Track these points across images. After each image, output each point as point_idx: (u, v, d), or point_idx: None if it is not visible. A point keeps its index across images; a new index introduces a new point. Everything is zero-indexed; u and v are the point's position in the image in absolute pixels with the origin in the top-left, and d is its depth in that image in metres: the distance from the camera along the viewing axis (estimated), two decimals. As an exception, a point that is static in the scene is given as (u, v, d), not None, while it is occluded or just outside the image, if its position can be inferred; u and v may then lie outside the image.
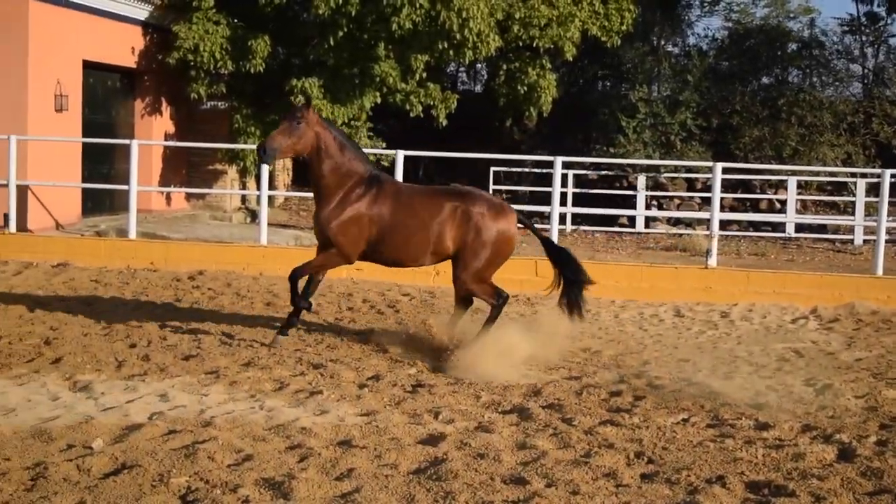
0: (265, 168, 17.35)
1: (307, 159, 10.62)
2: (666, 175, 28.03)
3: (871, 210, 24.84)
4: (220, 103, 24.84)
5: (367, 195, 10.51)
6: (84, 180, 21.00)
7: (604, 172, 27.89)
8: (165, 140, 24.31)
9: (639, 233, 25.76)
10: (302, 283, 10.85)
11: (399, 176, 16.93)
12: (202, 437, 7.32)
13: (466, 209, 10.51)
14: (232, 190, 25.45)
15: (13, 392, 8.57)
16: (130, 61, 23.08)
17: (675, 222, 26.99)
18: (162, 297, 13.93)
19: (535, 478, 6.66)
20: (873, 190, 23.78)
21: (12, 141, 17.69)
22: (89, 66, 21.62)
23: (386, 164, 23.19)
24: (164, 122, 24.61)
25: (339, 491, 6.35)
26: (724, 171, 19.16)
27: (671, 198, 28.15)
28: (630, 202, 26.65)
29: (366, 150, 21.85)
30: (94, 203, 22.20)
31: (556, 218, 16.47)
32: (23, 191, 19.02)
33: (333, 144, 10.52)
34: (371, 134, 24.15)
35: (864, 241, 24.31)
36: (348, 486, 6.41)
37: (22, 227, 18.80)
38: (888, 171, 16.37)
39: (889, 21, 34.47)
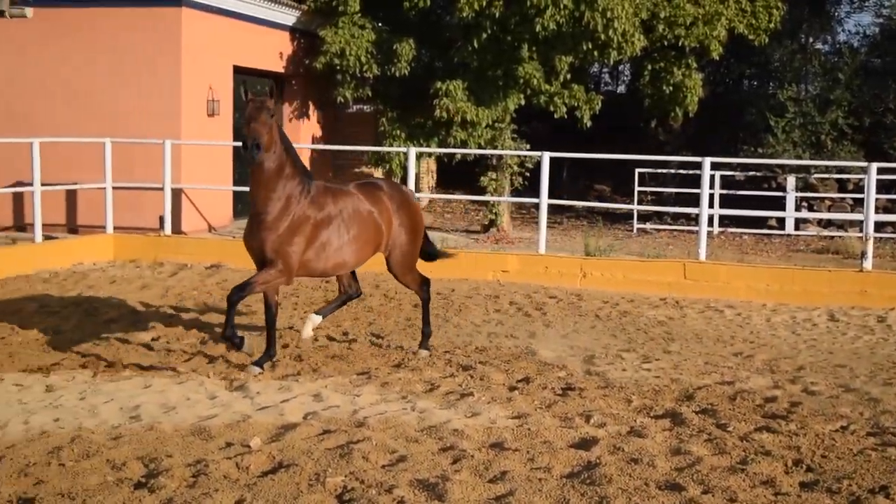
0: (412, 170, 17.50)
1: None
2: (816, 176, 27.36)
3: None
4: (365, 107, 25.13)
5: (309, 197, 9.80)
6: (235, 183, 21.45)
7: (751, 173, 27.35)
8: (312, 143, 24.69)
9: (788, 235, 25.22)
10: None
11: (545, 177, 16.88)
12: (356, 438, 7.41)
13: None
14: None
15: (173, 390, 8.80)
16: (279, 66, 23.51)
17: (826, 224, 26.34)
18: (312, 298, 14.13)
19: (690, 484, 6.57)
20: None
21: (167, 145, 18.18)
22: (239, 72, 22.08)
23: (530, 165, 23.17)
24: (311, 126, 25.02)
25: (493, 493, 6.35)
26: (879, 171, 18.57)
27: (822, 199, 27.45)
28: (779, 204, 26.10)
29: (511, 152, 22.09)
30: (244, 205, 22.61)
31: (704, 220, 16.20)
32: (177, 194, 19.53)
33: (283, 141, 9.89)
34: (515, 136, 24.13)
35: None
36: (502, 489, 6.41)
37: (176, 229, 19.31)
38: None
39: None
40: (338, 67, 22.77)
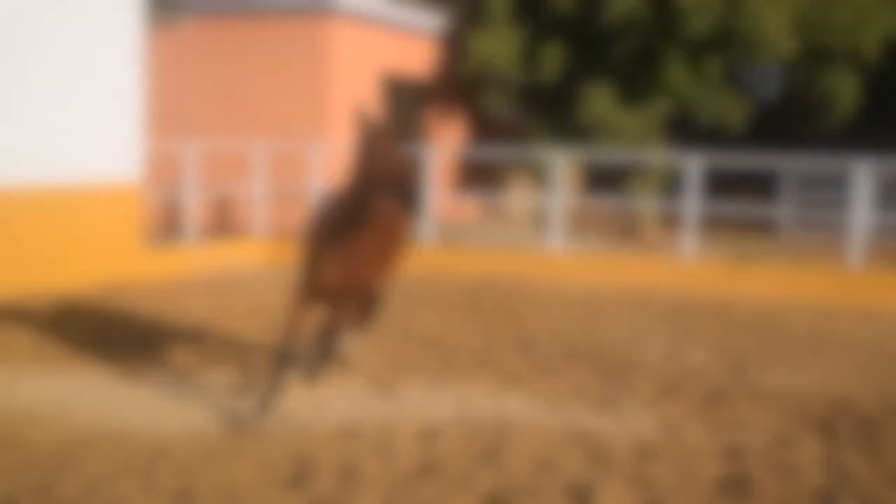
0: (557, 175, 17.50)
1: None
2: None
3: None
4: (512, 111, 25.20)
5: None
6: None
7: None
8: (458, 150, 24.83)
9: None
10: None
11: (694, 183, 16.69)
12: (503, 442, 7.43)
13: None
14: (524, 196, 25.76)
15: (321, 391, 8.94)
16: (425, 72, 23.74)
17: None
18: (455, 302, 14.23)
19: (846, 497, 6.42)
20: None
21: (316, 152, 18.52)
22: (387, 78, 22.36)
23: (679, 171, 22.89)
24: (457, 132, 25.17)
25: (642, 501, 6.31)
26: None
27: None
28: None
29: (659, 158, 21.89)
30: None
31: (860, 226, 15.81)
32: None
33: None
34: (663, 142, 23.90)
35: None
36: (651, 496, 6.36)
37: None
38: None
39: None
40: (484, 73, 22.89)
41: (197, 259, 16.80)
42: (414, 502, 6.19)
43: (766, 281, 15.57)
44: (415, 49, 23.32)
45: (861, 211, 15.87)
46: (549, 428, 7.85)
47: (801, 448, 7.47)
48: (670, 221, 24.97)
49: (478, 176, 25.82)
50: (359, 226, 7.71)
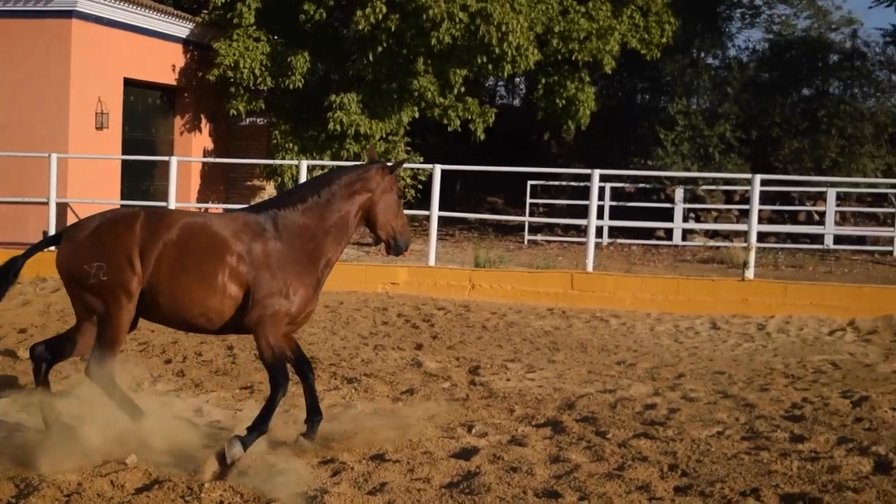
0: (304, 179, 17.53)
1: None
2: (704, 187, 27.89)
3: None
4: (259, 119, 25.00)
5: None
6: (123, 197, 21.17)
7: (641, 185, 27.79)
8: (204, 156, 24.48)
9: (676, 245, 25.65)
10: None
11: (436, 190, 17.00)
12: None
13: None
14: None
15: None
16: (171, 78, 23.28)
17: (713, 235, 26.87)
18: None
19: (567, 491, 6.67)
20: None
21: (53, 159, 17.91)
22: (130, 84, 21.83)
23: (423, 178, 23.26)
24: (203, 139, 24.78)
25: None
26: (763, 182, 19.03)
27: (709, 210, 28.01)
28: (667, 215, 26.53)
29: (404, 165, 22.16)
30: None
31: (592, 231, 16.46)
32: (62, 208, 19.22)
33: None
34: (409, 149, 24.22)
35: (905, 253, 24.10)
36: (380, 501, 6.44)
37: (62, 243, 18.96)
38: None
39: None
40: (231, 80, 22.65)
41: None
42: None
43: (505, 284, 16.00)
44: (161, 54, 22.81)
45: (595, 216, 16.50)
46: (285, 436, 7.81)
47: (530, 447, 7.71)
48: (417, 227, 25.33)
49: (226, 183, 25.51)
50: None
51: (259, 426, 7.15)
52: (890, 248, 25.09)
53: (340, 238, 7.68)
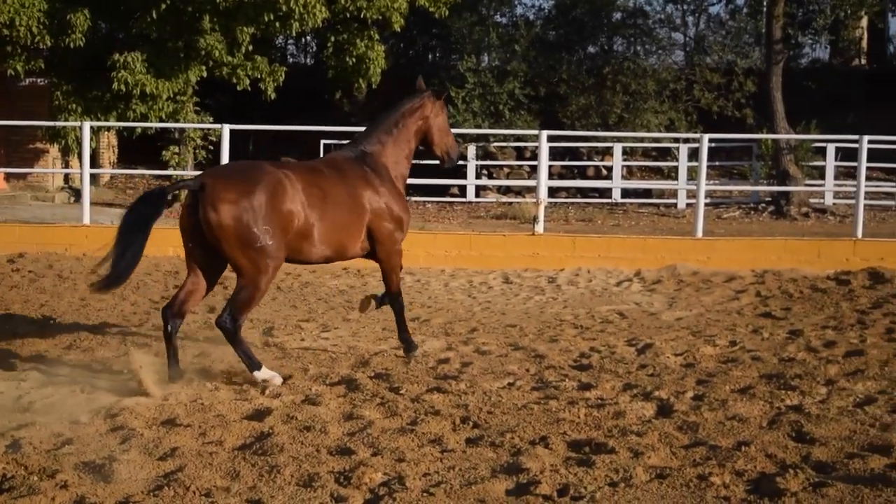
0: (86, 145, 16.98)
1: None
2: (495, 144, 28.33)
3: (693, 174, 25.57)
4: (39, 80, 24.03)
5: None
6: None
7: (434, 143, 27.99)
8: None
9: (470, 202, 25.98)
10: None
11: (226, 150, 16.71)
12: (20, 423, 7.13)
13: None
14: (53, 169, 24.75)
15: None
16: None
17: (506, 191, 27.32)
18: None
19: (361, 447, 6.68)
20: (695, 155, 24.50)
21: None
22: None
23: (214, 138, 22.85)
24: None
25: (162, 471, 6.25)
26: (552, 139, 19.43)
27: (501, 167, 28.46)
28: (460, 172, 26.82)
29: (192, 125, 21.73)
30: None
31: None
32: None
33: None
34: (198, 109, 23.72)
35: (687, 204, 25.03)
36: (171, 466, 6.32)
37: None
38: (706, 136, 16.92)
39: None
40: (7, 38, 21.64)
41: None
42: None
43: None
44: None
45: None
46: (70, 405, 7.60)
47: (324, 405, 7.69)
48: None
49: (7, 146, 24.51)
50: None
51: (405, 336, 9.42)
52: (674, 201, 26.04)
53: (409, 160, 9.49)
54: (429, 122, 9.49)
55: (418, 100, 9.46)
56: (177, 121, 22.44)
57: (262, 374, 8.28)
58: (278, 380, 8.27)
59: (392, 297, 9.35)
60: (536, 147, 23.41)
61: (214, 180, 8.14)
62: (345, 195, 8.72)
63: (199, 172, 10.59)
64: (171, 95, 22.42)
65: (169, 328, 8.28)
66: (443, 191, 26.18)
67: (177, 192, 9.18)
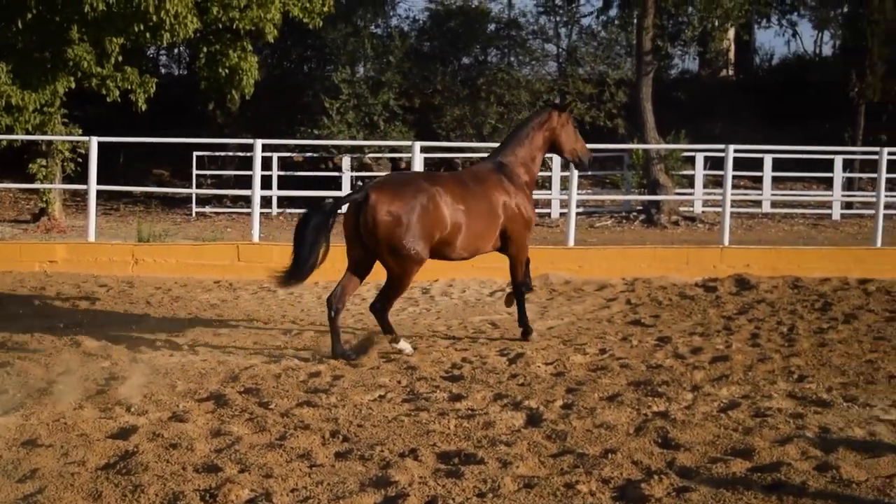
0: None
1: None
2: (370, 155, 28.33)
3: (566, 184, 25.87)
4: None
5: None
6: None
7: (309, 154, 27.90)
8: None
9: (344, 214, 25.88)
10: None
11: (94, 163, 16.40)
12: None
13: None
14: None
15: None
16: None
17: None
18: None
19: (228, 464, 6.60)
20: (568, 165, 24.77)
21: None
22: None
23: (82, 150, 22.42)
24: None
25: (21, 493, 6.10)
26: (426, 149, 19.47)
27: (375, 178, 28.44)
28: (336, 183, 26.77)
29: (59, 138, 21.27)
30: None
31: (257, 201, 16.35)
32: None
33: None
34: (66, 121, 23.25)
35: (560, 213, 25.33)
36: (31, 488, 6.17)
37: None
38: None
39: (581, 2, 35.99)
40: None
41: None
42: None
43: (170, 258, 15.69)
44: None
45: (259, 186, 16.39)
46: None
47: (191, 422, 7.59)
48: (79, 202, 24.49)
49: None
50: None
51: (525, 321, 11.07)
52: (548, 210, 26.34)
53: (538, 166, 11.00)
54: (556, 132, 10.87)
55: (545, 114, 10.92)
56: (44, 133, 21.97)
57: (401, 345, 10.11)
58: (410, 349, 10.16)
59: (517, 286, 10.92)
60: (410, 157, 23.54)
61: (378, 196, 9.66)
62: (484, 206, 10.24)
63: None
64: (38, 107, 21.94)
65: (332, 313, 9.92)
66: (318, 203, 26.03)
67: (346, 203, 10.43)
